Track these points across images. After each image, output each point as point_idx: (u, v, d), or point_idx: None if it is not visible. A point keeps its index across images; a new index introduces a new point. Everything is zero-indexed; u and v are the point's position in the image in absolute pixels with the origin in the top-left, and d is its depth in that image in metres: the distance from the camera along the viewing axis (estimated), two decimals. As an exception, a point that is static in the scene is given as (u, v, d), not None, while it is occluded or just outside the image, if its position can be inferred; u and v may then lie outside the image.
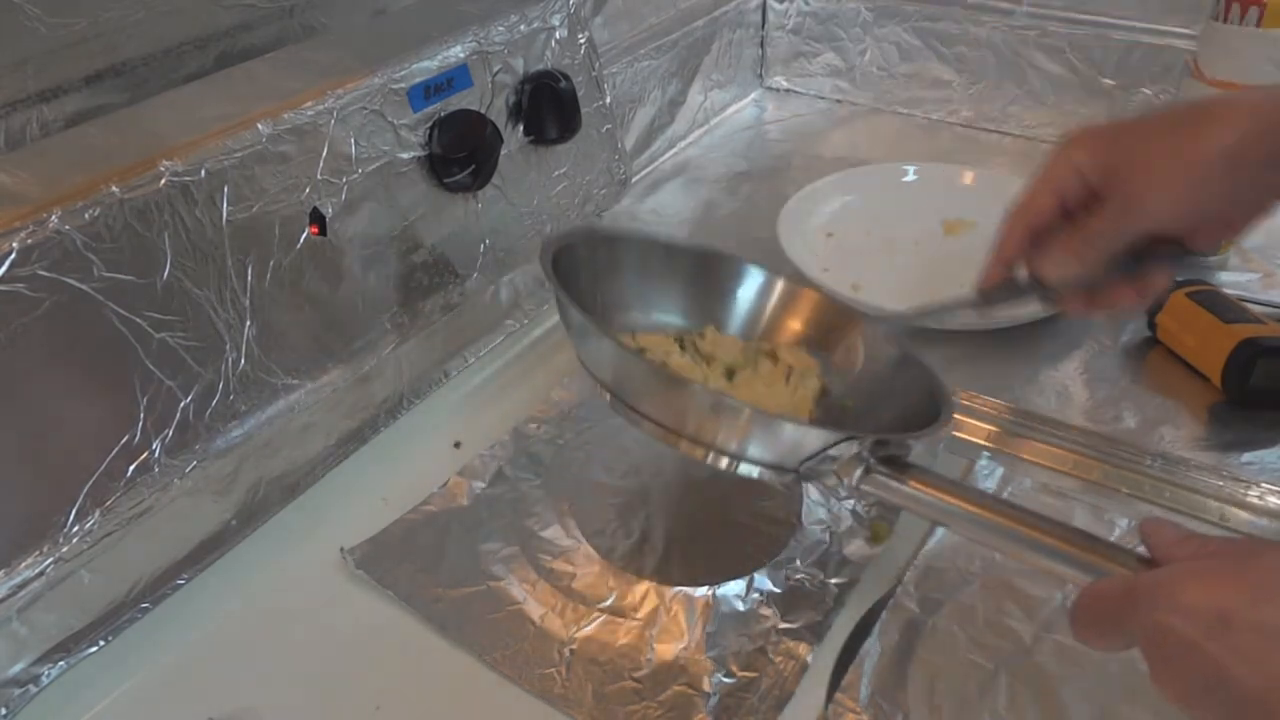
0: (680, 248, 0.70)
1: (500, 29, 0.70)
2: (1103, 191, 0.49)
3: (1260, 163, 0.46)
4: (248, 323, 0.56)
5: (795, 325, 0.68)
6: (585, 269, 0.62)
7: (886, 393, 0.61)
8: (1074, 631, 0.40)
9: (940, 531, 0.60)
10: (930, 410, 0.56)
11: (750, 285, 0.69)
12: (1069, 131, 0.51)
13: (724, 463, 0.52)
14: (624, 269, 0.66)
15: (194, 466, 0.54)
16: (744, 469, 0.52)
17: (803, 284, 0.69)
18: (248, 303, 0.56)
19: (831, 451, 0.50)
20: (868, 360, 0.63)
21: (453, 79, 0.67)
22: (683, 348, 0.63)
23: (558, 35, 0.75)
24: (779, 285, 0.68)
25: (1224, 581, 0.36)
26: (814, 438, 0.50)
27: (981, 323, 0.78)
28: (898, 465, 0.50)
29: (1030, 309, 0.76)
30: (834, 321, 0.66)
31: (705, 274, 0.68)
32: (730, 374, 0.62)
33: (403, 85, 0.64)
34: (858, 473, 0.49)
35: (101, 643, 0.55)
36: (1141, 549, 0.42)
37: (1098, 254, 0.50)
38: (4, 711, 0.52)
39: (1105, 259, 0.50)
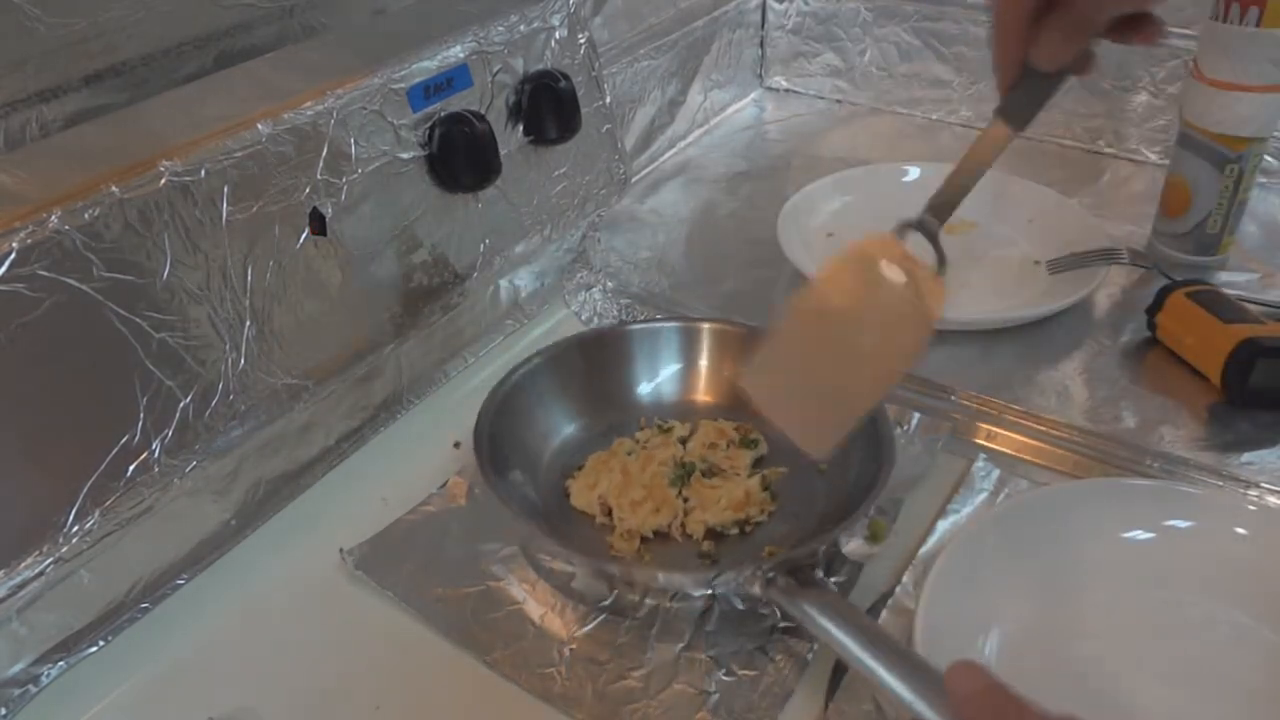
0: (580, 342, 0.71)
1: (500, 29, 0.70)
2: None
3: None
4: (247, 323, 0.56)
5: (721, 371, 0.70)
6: (515, 429, 0.65)
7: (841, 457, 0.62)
8: None
9: (939, 530, 0.60)
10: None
11: (659, 349, 0.71)
12: None
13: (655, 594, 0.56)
14: (546, 400, 0.67)
15: (194, 466, 0.54)
16: (675, 595, 0.56)
17: (714, 322, 0.71)
18: (247, 303, 0.56)
19: (723, 577, 0.53)
20: None
21: (452, 79, 0.67)
22: (630, 453, 0.65)
23: (557, 35, 0.75)
24: (696, 333, 0.71)
25: None
26: (695, 580, 0.55)
27: (982, 322, 0.78)
28: (799, 579, 0.51)
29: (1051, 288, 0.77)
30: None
31: (606, 361, 0.70)
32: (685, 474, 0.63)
33: (402, 85, 0.64)
34: (756, 588, 0.52)
35: (101, 643, 0.55)
36: None
37: (1084, 32, 0.49)
38: (3, 711, 0.52)
39: (1093, 33, 0.49)
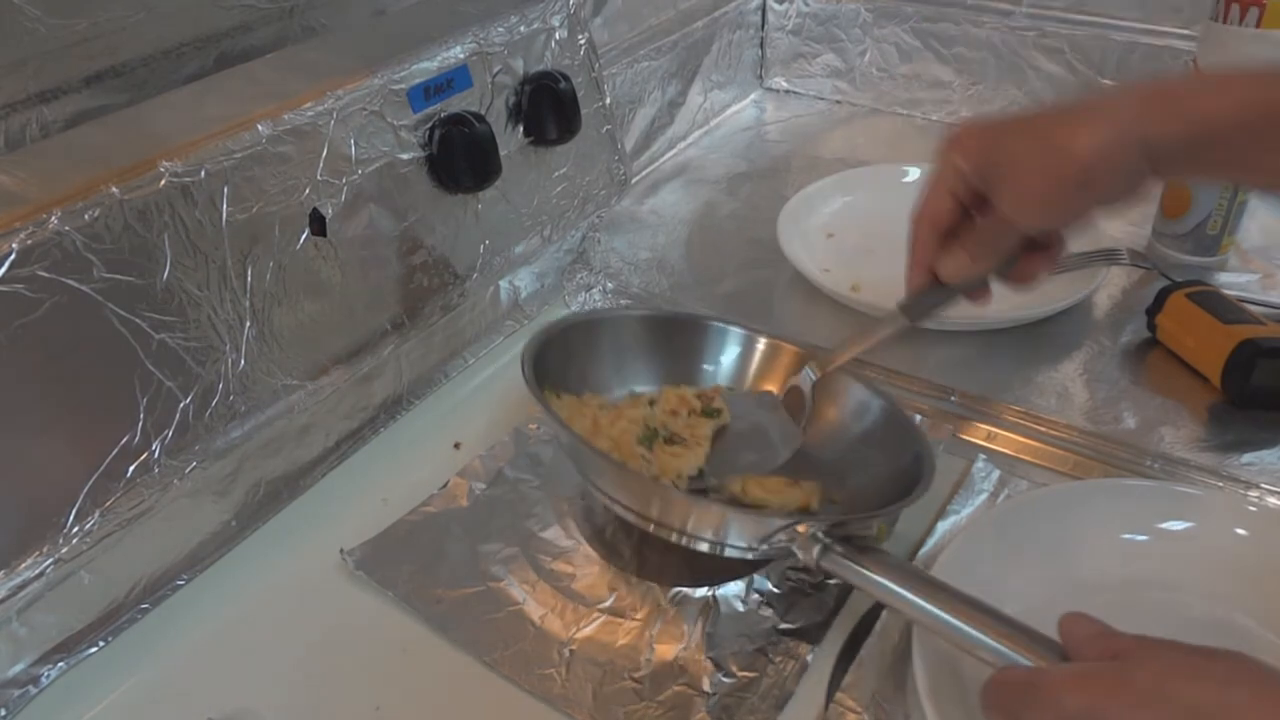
0: (652, 318, 0.72)
1: (500, 30, 0.70)
2: (985, 193, 0.51)
3: (1113, 182, 0.48)
4: (247, 323, 0.56)
5: (769, 382, 0.70)
6: (565, 359, 0.65)
7: (864, 454, 0.63)
8: (983, 714, 0.42)
9: (939, 530, 0.60)
10: (913, 476, 0.57)
11: (721, 345, 0.71)
12: (953, 131, 0.53)
13: (684, 541, 0.55)
14: (600, 350, 0.68)
15: (194, 467, 0.54)
16: (710, 549, 0.55)
17: (773, 338, 0.70)
18: (247, 303, 0.56)
19: (783, 536, 0.52)
20: (848, 416, 0.65)
21: (452, 79, 0.67)
22: (601, 407, 0.65)
23: (557, 36, 0.75)
24: (757, 343, 0.70)
25: (1105, 688, 0.37)
26: (760, 525, 0.53)
27: (982, 322, 0.78)
28: (855, 545, 0.50)
29: (1011, 312, 0.77)
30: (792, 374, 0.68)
31: (678, 340, 0.71)
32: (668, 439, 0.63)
33: (402, 86, 0.64)
34: (815, 550, 0.50)
35: (101, 643, 0.55)
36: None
37: (990, 256, 0.53)
38: (4, 712, 0.52)
39: (998, 257, 0.53)
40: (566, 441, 0.58)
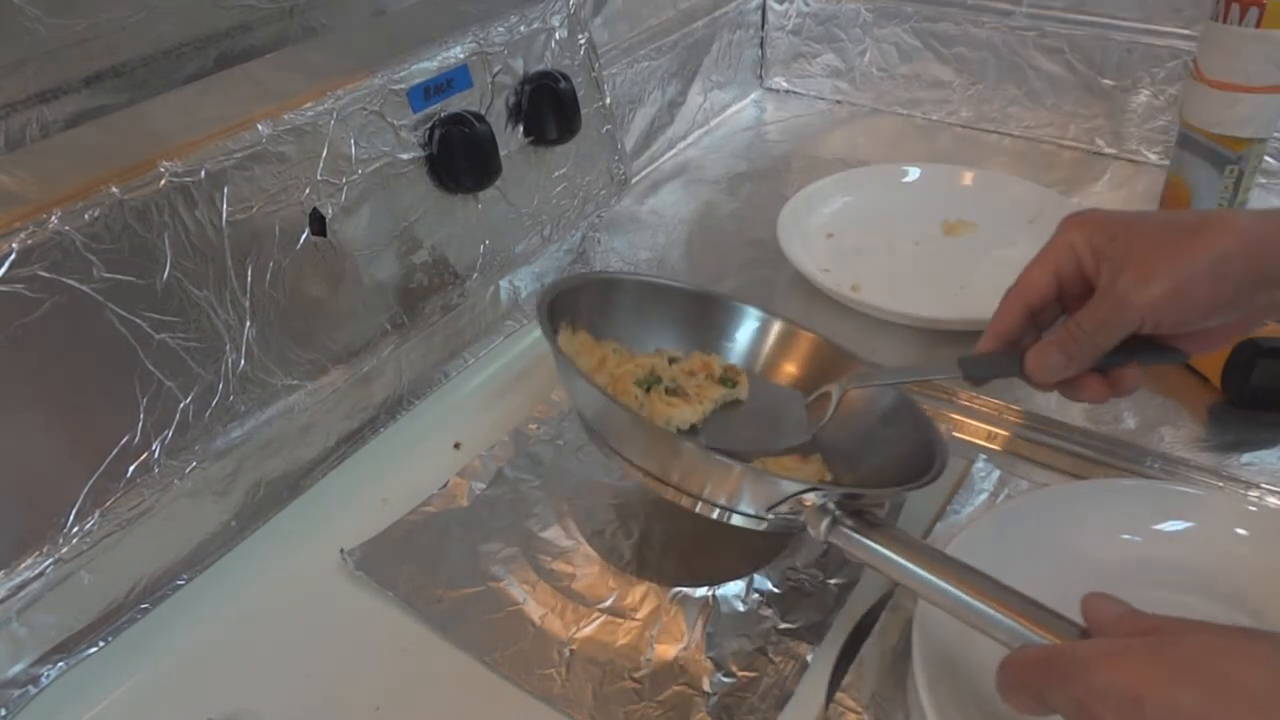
0: (674, 289, 0.71)
1: (500, 29, 0.70)
2: (1095, 280, 0.50)
3: (1246, 281, 0.47)
4: (247, 323, 0.56)
5: (790, 368, 0.69)
6: (580, 314, 0.64)
7: (875, 440, 0.62)
8: (999, 694, 0.40)
9: (938, 530, 0.60)
10: (923, 462, 0.56)
11: (741, 326, 0.70)
12: (1072, 213, 0.52)
13: (687, 502, 0.54)
14: (618, 312, 0.68)
15: (194, 467, 0.54)
16: (714, 513, 0.53)
17: (797, 326, 0.70)
18: (247, 303, 0.56)
19: (788, 506, 0.51)
20: (860, 403, 0.64)
21: (452, 79, 0.67)
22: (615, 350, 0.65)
23: (557, 36, 0.75)
24: (774, 327, 0.70)
25: (1138, 663, 0.36)
26: (770, 488, 0.52)
27: (983, 322, 0.78)
28: (866, 521, 0.50)
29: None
30: (822, 369, 0.67)
31: (699, 315, 0.70)
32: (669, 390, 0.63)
33: (402, 86, 0.64)
34: (824, 524, 0.49)
35: (101, 643, 0.55)
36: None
37: (1089, 352, 0.50)
38: (3, 712, 0.52)
39: (1095, 358, 0.50)
40: (562, 371, 0.57)
